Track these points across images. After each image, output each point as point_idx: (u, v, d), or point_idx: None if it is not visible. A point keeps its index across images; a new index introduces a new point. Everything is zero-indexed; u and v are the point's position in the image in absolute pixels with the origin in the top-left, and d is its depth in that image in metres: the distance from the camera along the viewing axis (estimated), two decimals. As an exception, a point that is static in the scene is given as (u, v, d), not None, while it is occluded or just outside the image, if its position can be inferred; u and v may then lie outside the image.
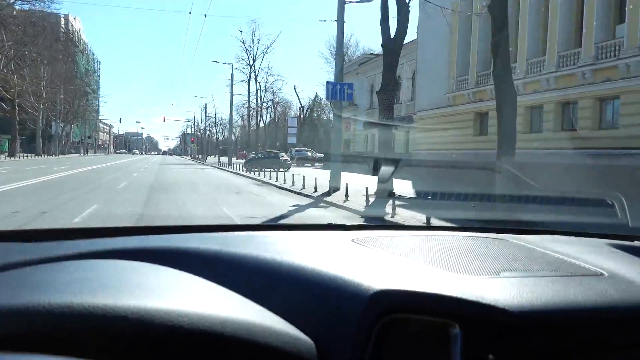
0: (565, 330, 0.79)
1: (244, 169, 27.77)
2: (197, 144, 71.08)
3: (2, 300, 0.58)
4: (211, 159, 57.13)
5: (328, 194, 12.98)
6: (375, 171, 9.34)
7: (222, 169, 31.88)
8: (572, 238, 1.38)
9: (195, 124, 72.07)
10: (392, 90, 13.92)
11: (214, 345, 0.59)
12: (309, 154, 41.71)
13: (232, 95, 38.23)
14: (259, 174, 22.20)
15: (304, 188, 14.83)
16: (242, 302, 0.72)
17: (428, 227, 1.95)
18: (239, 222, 7.28)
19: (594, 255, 1.11)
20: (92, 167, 27.36)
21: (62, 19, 74.91)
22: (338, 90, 15.05)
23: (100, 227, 1.31)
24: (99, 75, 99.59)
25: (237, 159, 67.25)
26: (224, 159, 52.95)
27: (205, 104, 59.15)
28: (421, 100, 26.85)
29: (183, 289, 0.72)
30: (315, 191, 13.82)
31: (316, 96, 67.16)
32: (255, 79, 55.59)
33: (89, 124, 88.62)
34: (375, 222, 8.20)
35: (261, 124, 58.24)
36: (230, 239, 1.14)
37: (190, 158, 68.77)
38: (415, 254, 1.09)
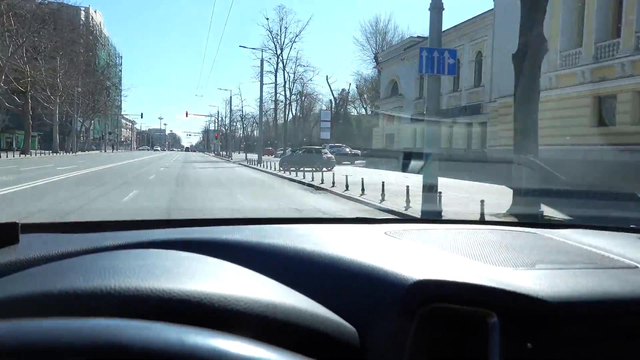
0: (601, 321, 0.82)
1: (280, 169, 23.44)
2: (221, 140, 67.24)
3: (74, 283, 0.60)
4: (236, 155, 53.14)
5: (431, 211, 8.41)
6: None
7: (253, 168, 27.60)
8: (604, 232, 1.38)
9: (219, 118, 68.39)
10: (539, 49, 9.31)
11: (267, 328, 0.61)
12: (347, 149, 37.10)
13: (261, 84, 33.96)
14: (302, 175, 17.82)
15: (383, 200, 10.33)
16: (286, 290, 0.74)
17: (457, 221, 1.65)
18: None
19: (627, 249, 1.12)
20: (102, 167, 23.41)
21: (82, 12, 72.35)
22: (435, 60, 10.40)
23: (145, 220, 1.33)
24: (120, 70, 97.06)
25: (263, 155, 63.55)
26: (251, 156, 48.87)
27: (230, 97, 55.45)
28: (502, 83, 21.64)
29: (230, 276, 0.74)
30: (408, 205, 9.31)
31: (349, 86, 62.83)
32: (284, 70, 51.36)
33: (110, 119, 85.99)
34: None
35: (285, 119, 53.72)
36: (268, 231, 1.15)
37: (214, 155, 64.98)
38: (448, 246, 1.11)
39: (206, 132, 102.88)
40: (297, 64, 51.34)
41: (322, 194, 13.09)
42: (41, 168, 20.50)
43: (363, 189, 11.72)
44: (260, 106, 34.32)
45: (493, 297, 0.79)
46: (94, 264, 0.74)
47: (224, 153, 62.07)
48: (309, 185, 15.30)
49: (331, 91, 57.95)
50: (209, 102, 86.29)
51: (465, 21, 27.45)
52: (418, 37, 36.68)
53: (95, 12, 79.77)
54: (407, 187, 9.72)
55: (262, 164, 29.33)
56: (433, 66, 10.43)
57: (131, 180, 15.63)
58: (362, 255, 0.89)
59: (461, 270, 0.87)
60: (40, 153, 43.45)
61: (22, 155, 36.47)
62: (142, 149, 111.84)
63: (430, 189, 8.64)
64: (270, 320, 0.61)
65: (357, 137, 52.59)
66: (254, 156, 50.43)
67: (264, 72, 51.94)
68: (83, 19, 71.36)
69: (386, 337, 0.74)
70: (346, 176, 13.46)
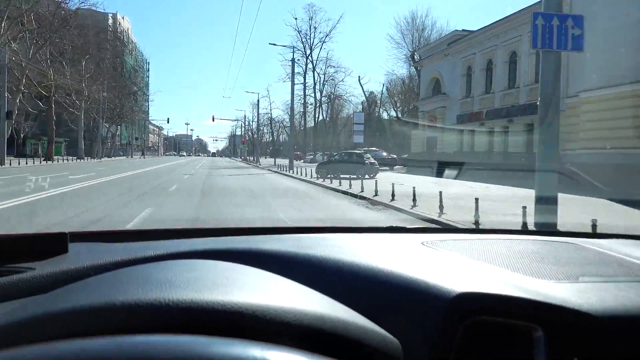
0: None
1: (317, 175, 20.73)
2: (248, 145, 65.16)
3: (134, 296, 0.62)
4: (264, 161, 50.85)
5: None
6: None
7: (286, 175, 24.97)
8: None
9: (246, 123, 66.45)
10: None
11: (315, 340, 0.61)
12: (384, 154, 34.08)
13: (292, 82, 31.38)
14: (343, 184, 15.05)
15: (477, 225, 7.40)
16: (330, 302, 0.74)
17: (494, 230, 1.60)
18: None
19: None
20: (121, 175, 21.19)
21: (110, 18, 71.92)
22: (555, 30, 7.43)
23: (186, 229, 1.38)
24: (148, 76, 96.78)
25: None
26: (280, 161, 46.49)
27: (258, 100, 53.01)
28: (587, 75, 18.10)
29: (276, 287, 0.75)
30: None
31: (382, 87, 59.69)
32: (313, 71, 48.83)
33: (138, 125, 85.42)
34: None
35: (311, 123, 51.12)
36: (304, 240, 1.16)
37: (240, 160, 62.96)
38: (487, 257, 1.10)
39: (232, 137, 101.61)
40: (327, 64, 48.68)
41: (382, 210, 10.25)
42: (53, 177, 18.38)
43: (441, 206, 8.80)
44: (292, 107, 31.76)
45: (538, 311, 0.78)
46: (149, 275, 0.74)
47: (251, 158, 60.01)
48: (360, 197, 12.46)
49: (363, 92, 55.11)
50: (236, 106, 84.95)
51: (525, 7, 24.08)
52: (463, 30, 33.43)
53: (123, 18, 79.43)
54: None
55: (293, 170, 26.72)
56: (552, 38, 7.44)
57: (148, 193, 13.16)
58: (401, 267, 0.88)
59: (503, 283, 0.85)
60: (65, 159, 42.15)
61: (45, 162, 35.01)
62: (169, 155, 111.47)
63: (547, 201, 6.81)
64: (318, 332, 0.61)
65: (389, 141, 49.57)
66: (283, 162, 48.23)
67: (292, 74, 50.04)
68: (110, 24, 70.94)
69: (429, 350, 0.73)
70: (413, 188, 10.56)
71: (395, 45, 54.75)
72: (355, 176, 20.24)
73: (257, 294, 0.67)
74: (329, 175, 20.46)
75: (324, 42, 47.94)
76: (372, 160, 21.96)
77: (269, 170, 31.30)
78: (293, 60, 31.11)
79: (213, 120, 54.19)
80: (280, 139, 77.51)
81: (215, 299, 0.61)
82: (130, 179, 19.26)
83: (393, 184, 11.70)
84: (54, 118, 39.64)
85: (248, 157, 61.44)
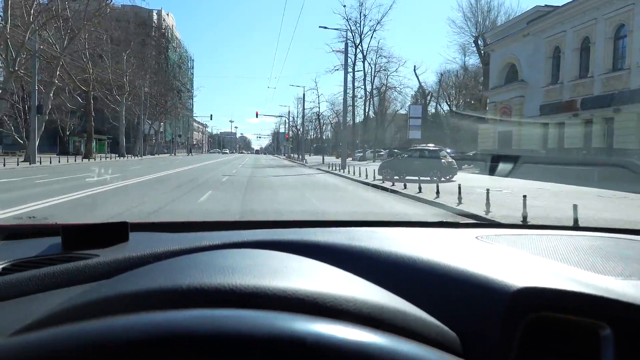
0: None
1: (379, 177, 16.98)
2: (292, 142, 61.98)
3: (200, 279, 0.63)
4: (309, 158, 47.44)
5: None
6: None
7: (340, 176, 21.27)
8: None
9: (290, 119, 63.26)
10: None
11: (375, 330, 0.60)
12: (447, 151, 29.60)
13: (346, 68, 27.62)
14: (428, 191, 11.18)
15: None
16: (386, 293, 0.73)
17: (549, 226, 1.54)
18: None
19: None
20: (151, 177, 18.20)
21: (155, 14, 70.94)
22: None
23: (240, 221, 1.46)
24: (192, 73, 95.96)
25: (337, 158, 57.51)
26: (328, 159, 42.92)
27: (304, 93, 49.79)
28: None
29: (331, 277, 0.74)
30: None
31: (440, 77, 54.69)
32: (363, 62, 44.84)
33: (182, 122, 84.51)
34: None
35: (358, 118, 47.12)
36: (356, 233, 1.16)
37: (284, 157, 59.89)
38: (545, 252, 1.08)
39: (276, 134, 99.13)
40: (378, 54, 44.48)
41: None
42: (69, 179, 15.59)
43: None
44: (345, 98, 28.02)
45: (605, 308, 0.75)
46: (210, 262, 0.75)
47: (296, 156, 56.86)
48: (468, 215, 8.51)
49: (419, 83, 50.52)
50: (280, 102, 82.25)
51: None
52: (547, 6, 28.39)
53: (167, 14, 78.49)
54: None
55: (347, 170, 23.01)
56: None
57: (169, 206, 9.75)
58: (457, 260, 0.86)
59: (565, 278, 0.82)
60: (105, 157, 40.52)
61: (83, 160, 33.16)
62: (213, 152, 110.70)
63: None
64: (378, 322, 0.61)
65: (446, 137, 44.87)
66: (330, 159, 44.78)
67: (340, 66, 46.46)
68: (155, 21, 69.95)
69: (489, 345, 0.71)
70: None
71: (457, 30, 49.43)
72: (428, 178, 16.40)
73: (315, 283, 0.66)
74: (394, 177, 16.71)
75: (374, 30, 43.70)
76: (450, 159, 17.83)
77: (318, 169, 27.73)
78: (346, 45, 27.35)
79: (257, 116, 51.75)
80: (325, 136, 74.12)
81: (277, 285, 0.61)
82: (164, 180, 16.18)
83: (487, 192, 7.70)
84: (93, 114, 37.93)
85: (292, 155, 58.23)
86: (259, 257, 0.80)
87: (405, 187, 13.24)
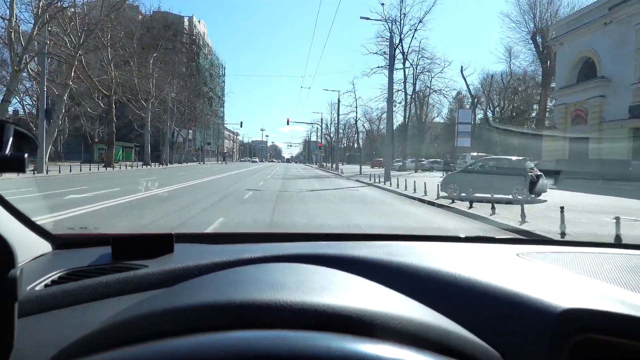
0: None
1: (442, 195, 13.18)
2: (325, 150, 58.41)
3: (251, 295, 0.64)
4: (344, 168, 43.74)
5: None
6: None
7: (389, 190, 17.44)
8: None
9: (323, 125, 59.83)
10: None
11: (420, 348, 0.61)
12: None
13: (392, 67, 23.93)
14: (537, 220, 7.37)
15: None
16: (429, 310, 0.73)
17: (594, 243, 1.46)
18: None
19: None
20: (161, 191, 14.92)
21: (186, 20, 69.49)
22: None
23: (280, 233, 1.40)
24: (224, 81, 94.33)
25: (372, 167, 53.43)
26: (364, 169, 39.12)
27: (339, 99, 46.35)
28: None
29: (375, 293, 0.74)
30: None
31: (491, 78, 50.10)
32: (403, 63, 40.84)
33: (212, 130, 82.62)
34: None
35: (405, 120, 43.10)
36: (394, 248, 1.15)
37: (317, 166, 56.40)
38: (590, 271, 1.04)
39: (307, 142, 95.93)
40: (420, 55, 40.44)
41: None
42: (35, 198, 12.49)
43: None
44: (390, 99, 24.20)
45: None
46: (260, 276, 0.76)
47: (329, 165, 53.33)
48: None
49: (467, 86, 46.07)
50: (312, 108, 79.21)
51: None
52: (632, -13, 23.81)
53: (199, 21, 77.08)
54: None
55: (391, 182, 19.22)
56: None
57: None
58: (499, 278, 0.85)
59: (613, 299, 0.80)
60: (129, 165, 38.15)
61: (105, 168, 30.70)
62: (244, 161, 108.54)
63: None
64: (424, 341, 0.61)
65: (495, 145, 40.31)
66: (365, 169, 40.96)
67: (377, 69, 42.68)
68: (187, 28, 68.43)
69: None
70: None
71: (512, 26, 44.75)
72: (510, 196, 12.49)
73: (360, 299, 0.66)
74: (462, 194, 12.93)
75: (416, 29, 39.72)
76: (538, 172, 13.75)
77: (357, 181, 24.03)
78: (391, 36, 23.65)
79: (288, 123, 48.34)
80: (355, 144, 70.55)
81: (325, 302, 0.62)
82: (176, 196, 12.81)
83: None
84: (116, 120, 35.61)
85: (324, 164, 54.64)
86: (304, 273, 0.79)
87: (493, 212, 9.39)
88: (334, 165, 44.46)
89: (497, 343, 0.69)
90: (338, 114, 43.95)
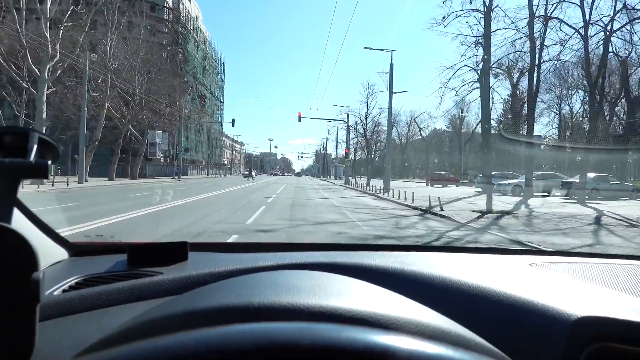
0: None
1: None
2: (349, 160, 44.05)
3: (268, 297, 0.65)
4: (365, 182, 29.56)
5: None
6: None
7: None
8: None
9: (352, 122, 45.80)
10: None
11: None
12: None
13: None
14: None
15: None
16: (443, 318, 0.72)
17: (607, 255, 1.55)
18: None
19: None
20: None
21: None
22: None
23: (292, 243, 1.43)
24: (222, 79, 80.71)
25: (430, 185, 34.88)
26: (396, 184, 25.45)
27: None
28: None
29: (390, 300, 0.75)
30: None
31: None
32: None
33: (206, 136, 69.04)
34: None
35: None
36: (407, 258, 1.16)
37: (342, 184, 39.61)
38: (603, 280, 1.05)
39: (320, 155, 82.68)
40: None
41: None
42: None
43: None
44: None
45: None
46: (276, 280, 0.76)
47: (353, 180, 39.54)
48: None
49: (511, 84, 32.41)
50: (324, 113, 65.37)
51: None
52: None
53: (189, 1, 64.06)
54: None
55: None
56: None
57: None
58: (513, 287, 0.85)
59: (628, 308, 0.80)
60: (64, 182, 23.93)
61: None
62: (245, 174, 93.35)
63: None
64: (440, 344, 0.62)
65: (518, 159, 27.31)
66: (398, 184, 27.17)
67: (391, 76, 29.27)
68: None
69: None
70: None
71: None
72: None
73: (376, 304, 0.67)
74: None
75: None
76: None
77: (430, 213, 10.09)
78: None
79: (299, 120, 34.85)
80: (376, 157, 57.43)
81: (342, 305, 0.63)
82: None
83: None
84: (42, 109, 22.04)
85: (352, 179, 40.52)
86: (320, 279, 0.80)
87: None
88: (356, 181, 30.01)
89: (513, 352, 0.67)
90: (367, 113, 29.81)
